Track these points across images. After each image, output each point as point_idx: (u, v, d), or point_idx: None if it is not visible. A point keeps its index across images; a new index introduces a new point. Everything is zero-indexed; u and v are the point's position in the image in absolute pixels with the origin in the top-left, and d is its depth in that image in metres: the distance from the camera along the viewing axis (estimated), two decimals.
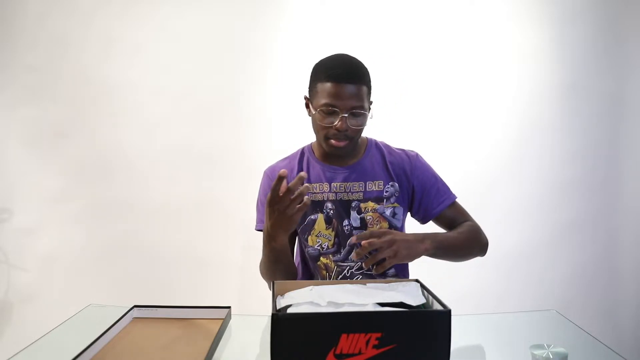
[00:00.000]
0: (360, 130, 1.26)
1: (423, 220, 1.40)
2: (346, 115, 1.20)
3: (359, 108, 1.20)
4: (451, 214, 1.38)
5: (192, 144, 2.31)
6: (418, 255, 1.17)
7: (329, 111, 1.21)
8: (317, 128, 1.28)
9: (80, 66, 2.27)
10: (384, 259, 1.11)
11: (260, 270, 1.33)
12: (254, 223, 1.41)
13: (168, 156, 2.31)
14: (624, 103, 2.41)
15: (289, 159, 1.41)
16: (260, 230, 1.35)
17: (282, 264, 1.25)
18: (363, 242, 1.10)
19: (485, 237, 1.37)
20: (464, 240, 1.31)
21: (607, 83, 2.38)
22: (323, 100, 1.21)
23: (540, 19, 2.35)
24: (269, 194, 1.07)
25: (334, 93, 1.19)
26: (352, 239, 1.17)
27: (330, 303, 0.92)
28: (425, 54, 2.32)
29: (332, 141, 1.24)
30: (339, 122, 1.20)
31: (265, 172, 1.41)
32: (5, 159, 2.29)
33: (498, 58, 2.35)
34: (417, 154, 1.40)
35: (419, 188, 1.35)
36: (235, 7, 2.28)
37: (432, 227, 1.39)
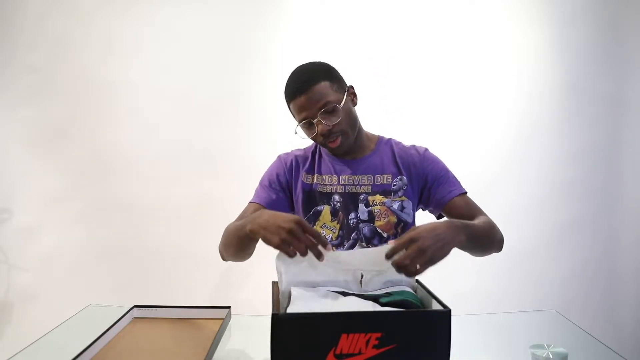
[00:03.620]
0: (345, 122, 1.25)
1: (435, 210, 1.38)
2: (318, 118, 1.23)
3: (325, 105, 1.22)
4: (463, 205, 1.31)
5: (192, 144, 2.31)
6: (453, 247, 0.99)
7: (306, 124, 1.25)
8: (311, 140, 1.32)
9: (80, 66, 2.27)
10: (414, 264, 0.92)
11: (222, 242, 1.25)
12: None
13: (168, 156, 2.31)
14: (624, 103, 2.41)
15: (304, 150, 1.44)
16: (254, 201, 1.34)
17: (247, 253, 1.21)
18: (388, 251, 0.95)
19: (501, 233, 1.28)
20: (487, 233, 1.21)
21: (607, 83, 2.38)
22: (298, 118, 1.26)
23: (540, 19, 2.35)
24: (299, 219, 0.96)
25: (299, 107, 1.23)
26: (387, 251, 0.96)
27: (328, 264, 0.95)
28: (425, 54, 2.32)
29: (329, 145, 1.28)
30: (318, 127, 1.23)
31: (279, 156, 1.43)
32: (5, 159, 2.29)
33: (498, 58, 2.35)
34: (426, 148, 1.41)
35: (430, 177, 1.34)
36: (235, 7, 2.28)
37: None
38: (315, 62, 1.30)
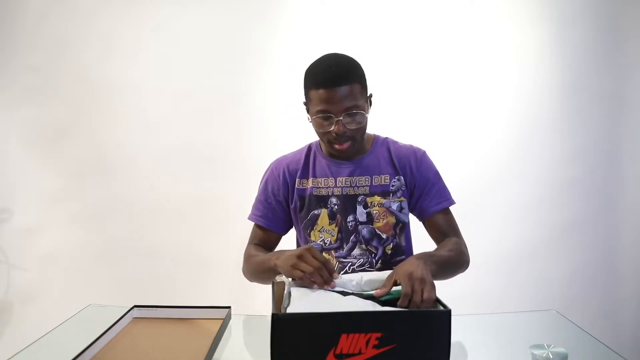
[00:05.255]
0: (361, 129, 1.25)
1: (419, 218, 1.39)
2: (341, 118, 1.19)
3: (353, 108, 1.20)
4: (442, 222, 1.34)
5: (193, 144, 2.31)
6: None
7: (324, 117, 1.21)
8: (318, 134, 1.28)
9: (81, 66, 2.27)
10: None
11: (247, 269, 1.38)
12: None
13: (168, 156, 2.31)
14: (624, 103, 2.41)
15: (295, 153, 1.42)
16: (253, 221, 1.40)
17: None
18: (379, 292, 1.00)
19: (468, 255, 1.33)
20: (453, 261, 1.26)
21: (607, 83, 2.38)
22: (317, 107, 1.21)
23: (540, 19, 2.35)
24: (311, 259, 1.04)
25: (325, 98, 1.19)
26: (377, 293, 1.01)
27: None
28: (425, 54, 2.32)
29: (336, 145, 1.25)
30: (336, 126, 1.20)
31: (272, 166, 1.41)
32: (5, 159, 2.29)
33: (498, 58, 2.35)
34: (424, 152, 1.39)
35: (420, 184, 1.34)
36: (235, 7, 2.28)
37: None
38: (352, 59, 1.26)
